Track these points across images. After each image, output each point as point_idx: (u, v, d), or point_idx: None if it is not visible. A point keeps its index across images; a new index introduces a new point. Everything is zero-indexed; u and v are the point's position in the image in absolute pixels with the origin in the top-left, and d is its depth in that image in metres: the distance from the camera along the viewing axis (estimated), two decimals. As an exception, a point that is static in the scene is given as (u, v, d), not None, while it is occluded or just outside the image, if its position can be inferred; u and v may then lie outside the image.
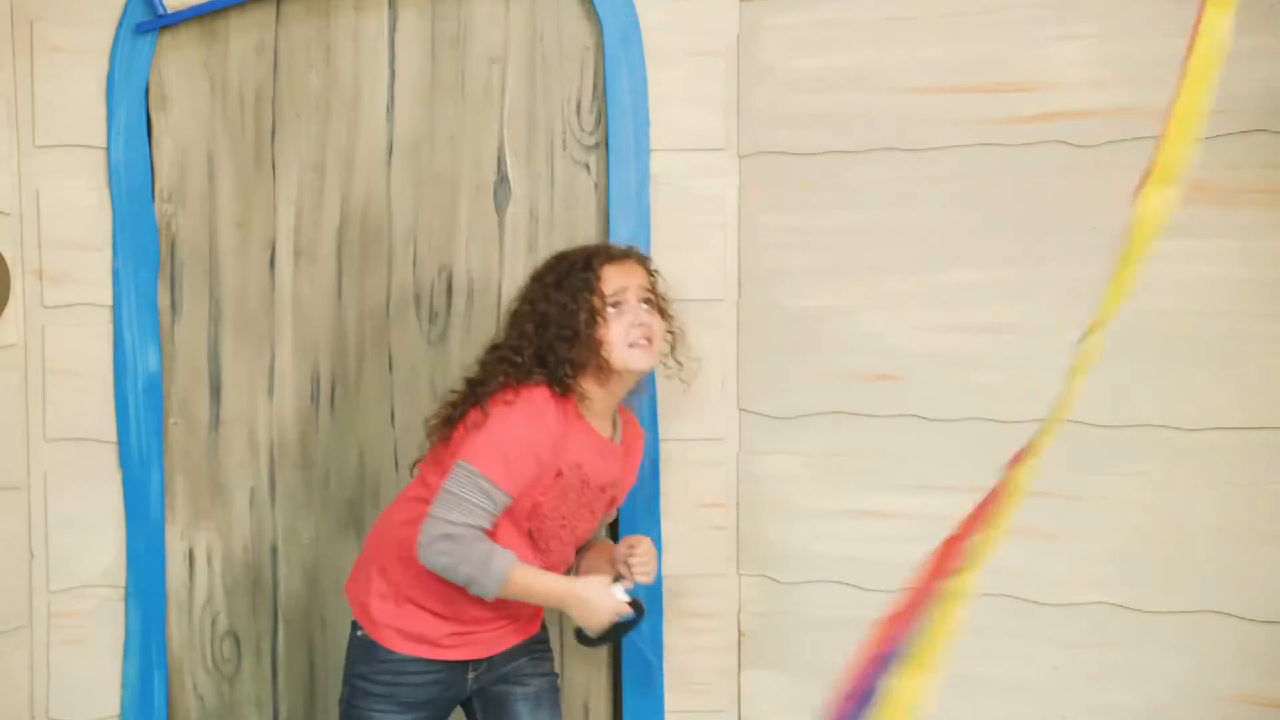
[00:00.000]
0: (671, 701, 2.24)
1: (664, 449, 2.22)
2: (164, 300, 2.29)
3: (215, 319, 2.30)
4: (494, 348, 1.97)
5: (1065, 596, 2.03)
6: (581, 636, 1.91)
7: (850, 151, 2.12)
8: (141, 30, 2.21)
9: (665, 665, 2.24)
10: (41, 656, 2.28)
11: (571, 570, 2.00)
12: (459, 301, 2.28)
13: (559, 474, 1.87)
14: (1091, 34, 1.98)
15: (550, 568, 1.91)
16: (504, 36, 2.25)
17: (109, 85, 2.22)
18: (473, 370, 1.97)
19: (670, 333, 2.01)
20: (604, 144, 2.22)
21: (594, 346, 1.89)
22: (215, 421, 2.31)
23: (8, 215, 2.22)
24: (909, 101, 2.08)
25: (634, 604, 1.87)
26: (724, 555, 2.23)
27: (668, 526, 2.22)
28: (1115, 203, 1.97)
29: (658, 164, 2.20)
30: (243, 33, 2.27)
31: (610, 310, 1.90)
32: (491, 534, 1.82)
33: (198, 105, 2.28)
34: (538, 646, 2.02)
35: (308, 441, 2.31)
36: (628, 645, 2.23)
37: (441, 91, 2.26)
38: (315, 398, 2.30)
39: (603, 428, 1.95)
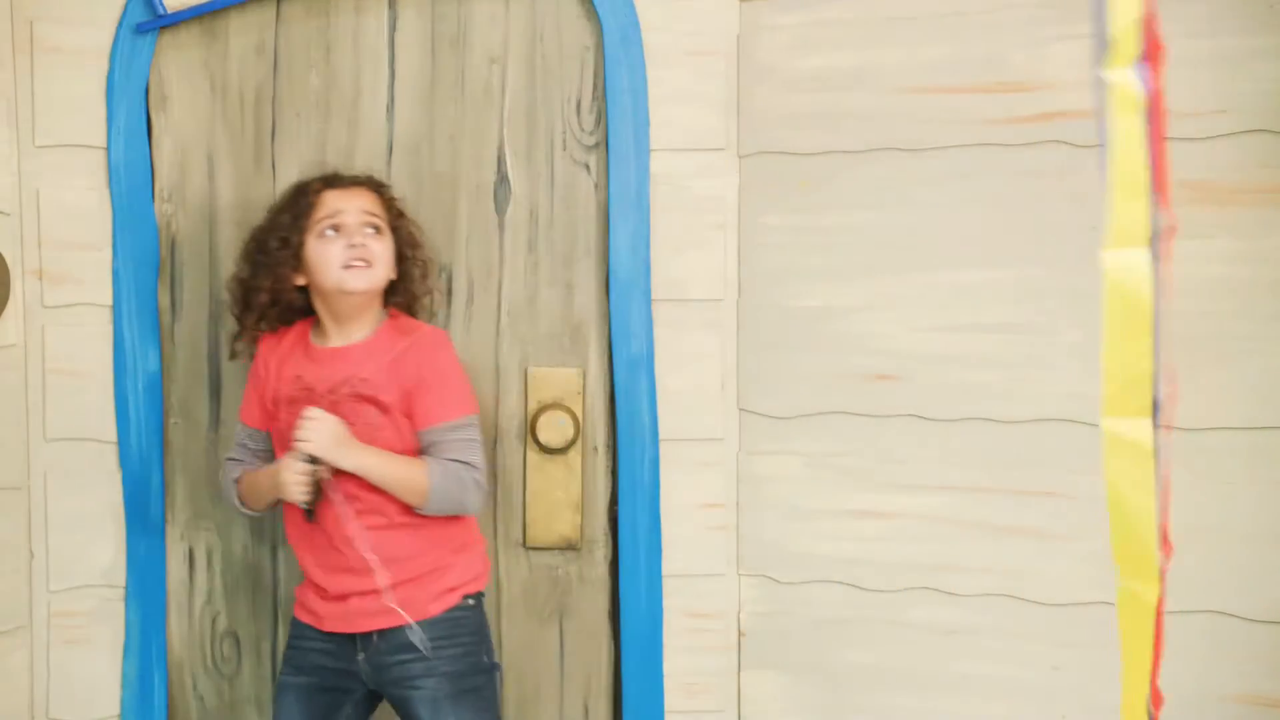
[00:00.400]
0: (671, 701, 2.24)
1: (664, 449, 2.22)
2: (164, 300, 2.29)
3: (215, 319, 2.30)
4: (227, 279, 2.13)
5: (1065, 596, 2.03)
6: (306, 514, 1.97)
7: (850, 151, 2.12)
8: (141, 30, 2.21)
9: (665, 665, 2.24)
10: (41, 656, 2.28)
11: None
12: (459, 301, 2.28)
13: (276, 391, 2.01)
14: (1092, 34, 1.97)
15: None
16: (504, 36, 2.25)
17: (109, 85, 2.22)
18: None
19: (416, 260, 2.05)
20: (604, 144, 2.22)
21: (286, 273, 1.98)
22: (215, 421, 2.31)
23: (8, 215, 2.22)
24: (909, 101, 2.08)
25: (317, 465, 1.91)
26: (724, 555, 2.23)
27: (668, 526, 2.23)
28: (1115, 203, 1.98)
29: (658, 164, 2.20)
30: (243, 33, 2.27)
31: (329, 233, 1.96)
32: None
33: (198, 105, 2.28)
34: (432, 642, 1.93)
35: (308, 441, 2.31)
36: (628, 645, 2.23)
37: (441, 91, 2.26)
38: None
39: (329, 341, 2.00)
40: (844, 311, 2.14)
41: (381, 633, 1.94)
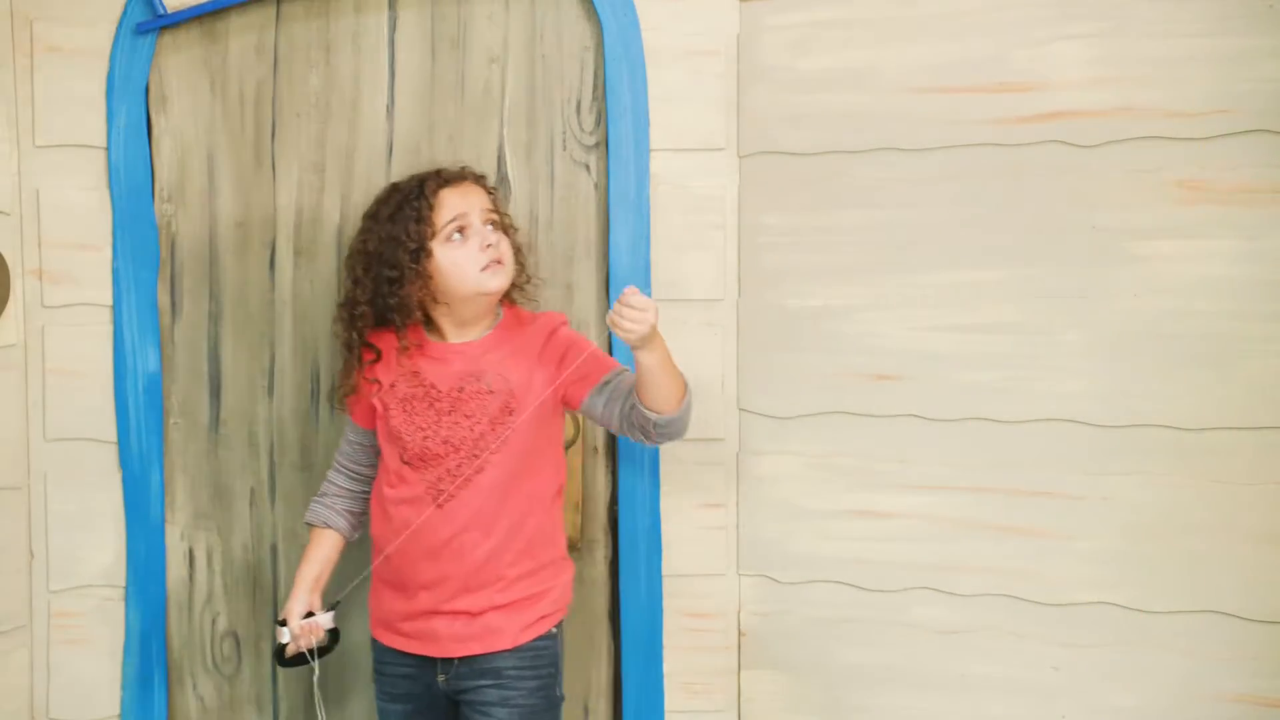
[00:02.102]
0: (671, 701, 2.24)
1: (664, 449, 2.22)
2: (164, 300, 2.29)
3: (215, 319, 2.30)
4: (339, 305, 2.01)
5: (1065, 596, 2.03)
6: (282, 661, 2.00)
7: (850, 151, 2.12)
8: (141, 30, 2.21)
9: (665, 665, 2.24)
10: (41, 656, 2.28)
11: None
12: (459, 301, 2.27)
13: (393, 384, 1.94)
14: (1091, 34, 1.98)
15: (435, 482, 1.90)
16: (504, 36, 2.25)
17: (109, 85, 2.22)
18: (336, 330, 2.01)
19: (516, 247, 2.01)
20: (604, 144, 2.22)
21: (425, 281, 1.90)
22: (215, 421, 2.31)
23: (8, 215, 2.22)
24: (909, 101, 2.08)
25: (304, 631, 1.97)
26: (724, 555, 2.23)
27: (668, 526, 2.22)
28: (1115, 203, 1.99)
29: (658, 164, 2.20)
30: (243, 33, 2.27)
31: (456, 236, 1.91)
32: (381, 464, 1.97)
33: (198, 105, 2.28)
34: (511, 672, 1.90)
35: (308, 441, 2.31)
36: (628, 645, 2.23)
37: (441, 91, 2.26)
38: (315, 398, 2.30)
39: (457, 336, 1.96)
40: (844, 311, 2.14)
41: (465, 658, 1.91)
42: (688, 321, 2.21)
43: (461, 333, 1.97)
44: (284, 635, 1.97)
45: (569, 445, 2.23)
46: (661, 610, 2.23)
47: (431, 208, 1.90)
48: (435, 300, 1.93)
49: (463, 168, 2.01)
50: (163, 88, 2.27)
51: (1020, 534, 2.06)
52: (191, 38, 2.27)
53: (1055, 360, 2.03)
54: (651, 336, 1.80)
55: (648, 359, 1.83)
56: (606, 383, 1.95)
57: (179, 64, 2.27)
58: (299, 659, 1.98)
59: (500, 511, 1.89)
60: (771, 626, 2.22)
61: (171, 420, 2.31)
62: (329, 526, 2.05)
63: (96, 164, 2.24)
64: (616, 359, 2.05)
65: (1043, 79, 2.00)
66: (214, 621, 2.34)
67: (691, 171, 2.20)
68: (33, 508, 2.27)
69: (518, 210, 2.25)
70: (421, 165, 2.22)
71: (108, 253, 2.24)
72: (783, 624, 2.21)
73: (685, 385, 1.91)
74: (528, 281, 2.06)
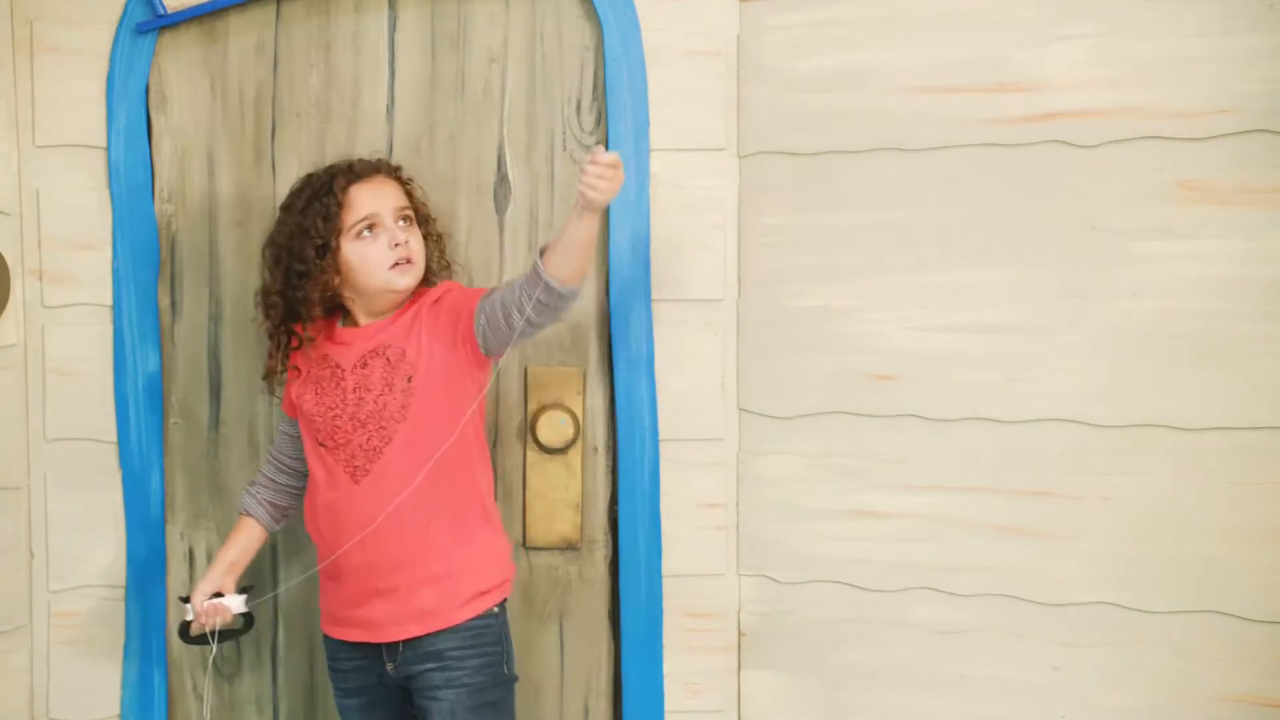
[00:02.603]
0: (671, 701, 2.24)
1: (664, 449, 2.22)
2: (164, 300, 2.29)
3: (215, 319, 2.30)
4: (256, 293, 2.04)
5: (1065, 596, 2.03)
6: (186, 638, 2.04)
7: (850, 151, 2.12)
8: (141, 30, 2.21)
9: (665, 665, 2.24)
10: (41, 656, 2.28)
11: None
12: (459, 301, 2.27)
13: (307, 373, 1.98)
14: (1091, 34, 1.98)
15: (349, 460, 1.92)
16: (504, 36, 2.25)
17: (109, 85, 2.22)
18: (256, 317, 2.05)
19: (431, 235, 2.02)
20: (604, 144, 2.22)
21: (330, 279, 1.91)
22: (215, 421, 2.31)
23: (8, 215, 2.22)
24: (909, 101, 2.08)
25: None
26: (724, 555, 2.23)
27: (668, 526, 2.22)
28: (1115, 203, 1.99)
29: (658, 164, 2.20)
30: (243, 33, 2.27)
31: (365, 233, 1.92)
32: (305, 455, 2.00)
33: (198, 105, 2.28)
34: (454, 653, 1.91)
35: (308, 441, 2.31)
36: (628, 645, 2.23)
37: (441, 91, 2.26)
38: (315, 398, 2.30)
39: (362, 321, 1.98)
40: (844, 311, 2.14)
41: (408, 642, 1.92)
42: (688, 321, 2.21)
43: (371, 318, 1.99)
44: (187, 613, 2.01)
45: (569, 446, 2.24)
46: (661, 610, 2.23)
47: (340, 205, 1.92)
48: (345, 293, 1.96)
49: (378, 160, 2.03)
50: (163, 88, 2.27)
51: (1020, 534, 2.06)
52: (191, 38, 2.27)
53: (1055, 360, 2.02)
54: (600, 205, 1.78)
55: (587, 227, 1.79)
56: (488, 295, 1.92)
57: (179, 64, 2.27)
58: (202, 639, 2.03)
59: (413, 484, 1.89)
60: (771, 626, 2.22)
61: (171, 420, 2.31)
62: (249, 515, 2.09)
63: (96, 164, 2.24)
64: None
65: (1042, 79, 2.00)
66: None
67: (691, 171, 2.20)
68: (33, 508, 2.27)
69: (518, 210, 2.26)
70: (422, 165, 2.23)
71: (108, 253, 2.24)
72: (783, 624, 2.21)
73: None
74: (447, 269, 2.08)
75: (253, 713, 2.35)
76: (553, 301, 1.82)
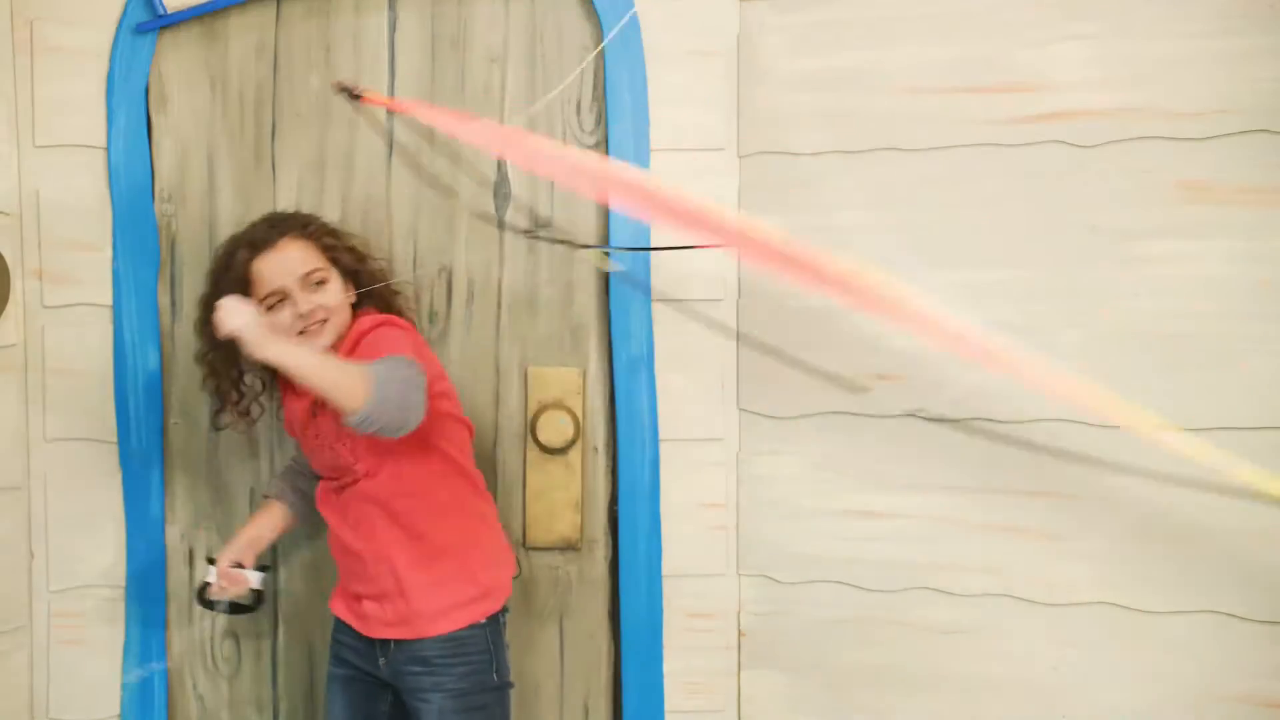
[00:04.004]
0: (671, 701, 2.24)
1: (664, 449, 2.22)
2: (164, 300, 2.29)
3: (215, 319, 2.30)
4: (195, 353, 2.05)
5: (1065, 596, 2.03)
6: (201, 599, 2.06)
7: (850, 151, 2.12)
8: (141, 30, 2.21)
9: (665, 665, 2.24)
10: (41, 656, 2.28)
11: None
12: (459, 301, 2.28)
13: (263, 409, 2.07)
14: (1092, 34, 1.98)
15: (324, 466, 1.96)
16: (504, 36, 2.25)
17: (109, 85, 2.22)
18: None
19: (366, 273, 2.00)
20: (604, 144, 2.22)
21: (241, 356, 1.86)
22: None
23: (8, 215, 2.22)
24: (909, 101, 2.08)
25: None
26: (724, 555, 2.23)
27: (668, 526, 2.22)
28: (1115, 203, 1.99)
29: (658, 164, 2.20)
30: (243, 33, 2.27)
31: (276, 305, 1.90)
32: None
33: (198, 105, 2.28)
34: (438, 660, 1.91)
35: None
36: (628, 645, 2.23)
37: (441, 91, 2.26)
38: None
39: None
40: (844, 311, 2.14)
41: (398, 642, 1.93)
42: (688, 322, 2.20)
43: None
44: (210, 574, 2.03)
45: (569, 445, 2.24)
46: (661, 610, 2.23)
47: (246, 282, 1.91)
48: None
49: (286, 218, 2.01)
50: (163, 88, 2.27)
51: (1020, 534, 2.06)
52: (191, 38, 2.27)
53: (1055, 360, 2.02)
54: (256, 344, 1.69)
55: (286, 368, 1.72)
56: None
57: (179, 64, 2.27)
58: (213, 606, 2.06)
59: (383, 510, 1.91)
60: (771, 626, 2.22)
61: (171, 420, 2.31)
62: (274, 498, 2.13)
63: (96, 164, 2.24)
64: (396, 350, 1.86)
65: (1043, 79, 2.00)
66: (214, 621, 2.34)
67: (691, 172, 2.20)
68: (33, 508, 2.27)
69: (517, 210, 2.25)
70: (422, 165, 2.23)
71: (108, 253, 2.24)
72: (783, 624, 2.21)
73: (360, 383, 1.70)
74: (396, 295, 2.07)
75: (253, 713, 2.35)
76: (366, 424, 1.71)
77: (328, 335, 1.93)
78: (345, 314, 1.97)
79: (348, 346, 1.93)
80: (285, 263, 1.92)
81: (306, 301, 1.91)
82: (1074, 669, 2.04)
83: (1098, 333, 2.00)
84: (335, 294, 1.95)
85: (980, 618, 2.09)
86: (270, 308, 1.90)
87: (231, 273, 1.93)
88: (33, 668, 2.28)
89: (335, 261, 1.98)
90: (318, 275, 1.94)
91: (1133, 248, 1.97)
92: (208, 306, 1.92)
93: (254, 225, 2.00)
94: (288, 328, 1.90)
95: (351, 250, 2.02)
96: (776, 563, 2.20)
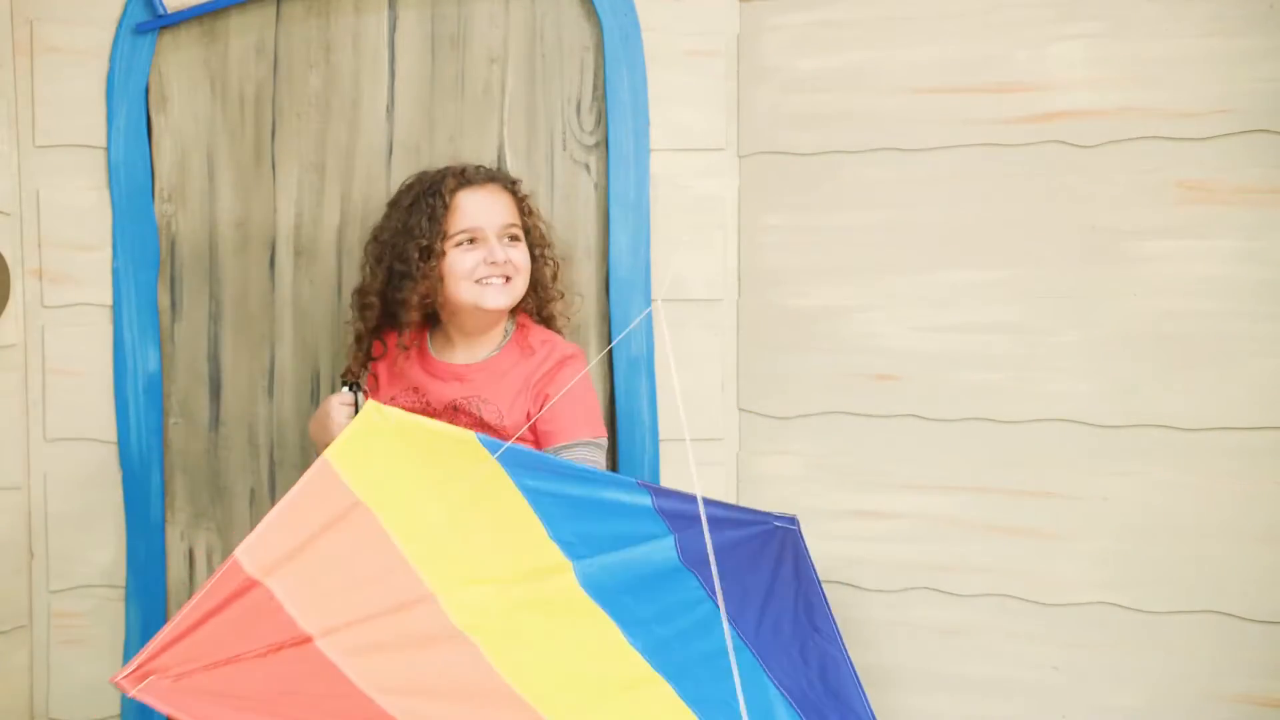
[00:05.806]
0: (671, 701, 2.24)
1: (664, 449, 2.22)
2: (164, 300, 2.29)
3: (215, 319, 2.30)
4: (353, 291, 1.96)
5: (1065, 596, 2.03)
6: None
7: (850, 151, 2.12)
8: (141, 30, 2.21)
9: (665, 665, 2.23)
10: (41, 656, 2.28)
11: None
12: (459, 301, 2.27)
13: (392, 399, 1.88)
14: (1091, 34, 1.98)
15: None
16: (504, 36, 2.25)
17: (109, 85, 2.22)
18: (349, 317, 1.98)
19: (546, 260, 1.95)
20: (604, 144, 2.22)
21: (431, 284, 1.82)
22: (215, 421, 2.31)
23: (8, 215, 2.22)
24: (909, 101, 2.08)
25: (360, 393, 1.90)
26: (724, 555, 2.23)
27: (668, 526, 2.22)
28: (1115, 203, 1.99)
29: (658, 164, 2.20)
30: (243, 33, 2.27)
31: (466, 243, 1.85)
32: None
33: (198, 105, 2.28)
34: None
35: (308, 441, 2.31)
36: (628, 645, 2.23)
37: (441, 91, 2.26)
38: (315, 398, 2.30)
39: (454, 355, 1.92)
40: (844, 311, 2.14)
41: None
42: (688, 322, 2.21)
43: (469, 346, 1.95)
44: (361, 400, 1.89)
45: (569, 445, 2.24)
46: (661, 610, 2.23)
47: (446, 208, 1.85)
48: (440, 304, 1.91)
49: (494, 171, 1.98)
50: (163, 88, 2.27)
51: (1020, 534, 2.06)
52: (191, 38, 2.27)
53: (1055, 360, 2.03)
54: None
55: None
56: (548, 452, 1.86)
57: (179, 64, 2.27)
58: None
59: None
60: (771, 626, 2.22)
61: (171, 420, 2.31)
62: None
63: (96, 164, 2.24)
64: (597, 421, 1.95)
65: (1043, 79, 2.00)
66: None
67: (691, 172, 2.20)
68: (33, 508, 2.27)
69: (518, 210, 2.25)
70: (421, 165, 2.23)
71: (108, 253, 2.24)
72: (783, 624, 2.21)
73: None
74: (560, 299, 2.01)
75: (253, 713, 2.35)
76: None
77: (506, 296, 1.86)
78: (524, 288, 1.90)
79: (542, 357, 1.87)
80: (493, 205, 1.87)
81: (502, 251, 1.85)
82: (1074, 669, 2.04)
83: (1098, 333, 2.00)
84: (525, 260, 1.89)
85: (980, 618, 2.09)
86: (458, 244, 1.84)
87: (434, 194, 1.84)
88: (33, 668, 2.28)
89: (526, 231, 1.94)
90: (514, 230, 1.89)
91: (1133, 248, 1.97)
92: (396, 229, 1.84)
93: (461, 165, 1.94)
94: (467, 272, 1.84)
95: (541, 231, 1.97)
96: (776, 563, 2.20)
